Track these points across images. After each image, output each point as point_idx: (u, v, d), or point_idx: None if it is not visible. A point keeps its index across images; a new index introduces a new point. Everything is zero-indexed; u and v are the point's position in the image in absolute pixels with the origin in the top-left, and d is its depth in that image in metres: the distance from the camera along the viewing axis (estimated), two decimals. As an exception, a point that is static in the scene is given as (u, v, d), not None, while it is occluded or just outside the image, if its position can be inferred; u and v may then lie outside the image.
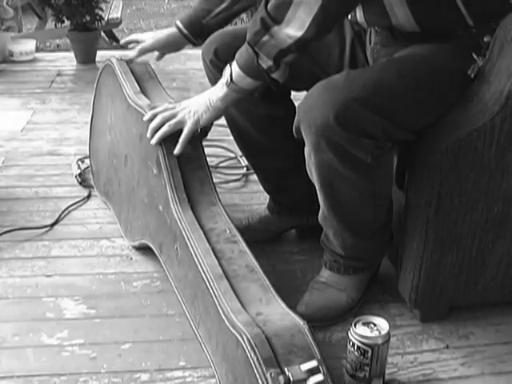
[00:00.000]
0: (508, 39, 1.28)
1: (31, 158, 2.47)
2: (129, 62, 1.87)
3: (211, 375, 1.37)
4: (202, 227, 1.49)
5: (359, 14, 1.48)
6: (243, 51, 1.40)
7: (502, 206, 1.40)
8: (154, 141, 1.54)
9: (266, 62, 1.37)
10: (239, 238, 1.49)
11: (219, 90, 1.48)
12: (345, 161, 1.35)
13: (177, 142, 1.53)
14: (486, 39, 1.35)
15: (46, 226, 1.95)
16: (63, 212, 2.03)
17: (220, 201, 1.59)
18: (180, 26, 1.81)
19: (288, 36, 1.31)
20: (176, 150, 1.54)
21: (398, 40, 1.45)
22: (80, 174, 2.27)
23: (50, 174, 2.32)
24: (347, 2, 1.33)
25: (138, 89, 1.76)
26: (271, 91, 1.60)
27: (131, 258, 1.80)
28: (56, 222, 1.98)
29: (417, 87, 1.35)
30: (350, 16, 1.51)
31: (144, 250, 1.80)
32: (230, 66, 1.43)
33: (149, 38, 1.87)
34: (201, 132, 1.57)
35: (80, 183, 2.23)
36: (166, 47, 1.87)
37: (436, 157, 1.34)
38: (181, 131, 1.53)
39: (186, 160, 1.58)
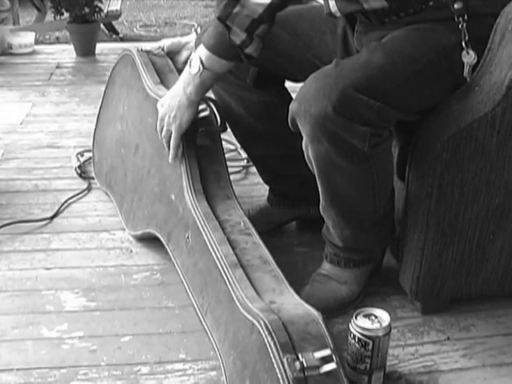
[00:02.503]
0: (509, 29, 1.27)
1: (30, 150, 2.46)
2: (149, 53, 1.87)
3: (212, 368, 1.37)
4: (216, 218, 1.50)
5: (332, 4, 1.47)
6: (211, 32, 1.40)
7: (503, 197, 1.40)
8: (170, 158, 1.58)
9: (239, 36, 1.37)
10: (253, 230, 1.49)
11: (190, 84, 1.48)
12: (341, 150, 1.34)
13: (192, 134, 1.58)
14: (456, 6, 1.34)
15: (45, 219, 1.95)
16: (63, 205, 2.03)
17: (235, 195, 1.60)
18: None
19: (258, 4, 1.32)
20: (170, 156, 1.58)
21: (375, 26, 1.44)
22: (80, 167, 2.27)
23: (50, 167, 2.32)
24: None
25: (159, 80, 1.76)
26: (263, 77, 1.60)
27: (131, 251, 1.80)
28: (55, 215, 1.98)
29: (404, 63, 1.34)
30: (325, 9, 1.50)
31: (144, 242, 1.79)
32: (196, 53, 1.43)
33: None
34: (220, 126, 1.58)
35: (80, 176, 2.23)
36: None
37: (437, 147, 1.33)
38: (195, 122, 1.56)
39: (203, 152, 1.59)
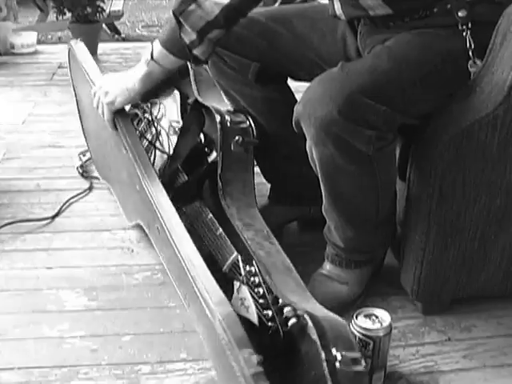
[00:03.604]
0: (510, 29, 1.27)
1: (32, 150, 2.46)
2: None
3: (212, 367, 1.36)
4: (240, 219, 1.52)
5: (337, 6, 1.47)
6: (166, 26, 1.39)
7: (504, 198, 1.40)
8: (110, 128, 1.63)
9: (189, 36, 1.36)
10: (275, 240, 1.50)
11: (139, 71, 1.48)
12: (346, 154, 1.34)
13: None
14: (460, 14, 1.33)
15: (47, 219, 1.95)
16: (64, 204, 2.03)
17: (257, 205, 1.62)
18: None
19: (215, 3, 1.31)
20: (109, 128, 1.62)
21: (379, 29, 1.44)
22: (81, 166, 2.27)
23: (52, 167, 2.32)
24: None
25: (100, 73, 1.79)
26: (265, 73, 1.60)
27: (132, 251, 1.80)
28: (57, 215, 1.98)
29: (409, 68, 1.34)
30: (329, 10, 1.50)
31: (145, 242, 1.79)
32: (152, 44, 1.44)
33: None
34: (255, 138, 1.63)
35: (81, 175, 2.23)
36: None
37: (438, 148, 1.33)
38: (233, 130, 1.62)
39: (235, 159, 1.62)
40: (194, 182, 1.72)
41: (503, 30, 1.28)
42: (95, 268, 1.73)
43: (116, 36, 5.29)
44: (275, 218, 1.87)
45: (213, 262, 1.49)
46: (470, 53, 1.33)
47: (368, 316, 1.30)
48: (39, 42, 4.16)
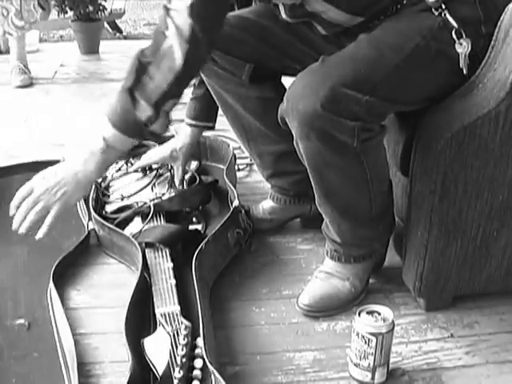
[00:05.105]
0: (513, 25, 1.27)
1: (34, 148, 2.46)
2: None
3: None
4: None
5: (320, 28, 1.50)
6: (115, 106, 1.32)
7: (506, 195, 1.39)
8: (21, 230, 1.39)
9: (144, 112, 1.29)
10: None
11: (90, 161, 1.37)
12: (331, 147, 1.33)
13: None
14: None
15: (49, 216, 1.95)
16: (66, 202, 2.02)
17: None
18: (191, 121, 1.87)
19: (169, 69, 1.26)
20: (40, 234, 1.39)
21: (361, 28, 1.42)
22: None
23: (54, 165, 2.31)
24: (215, 19, 1.31)
25: None
26: (259, 72, 1.60)
27: (134, 248, 1.80)
28: (59, 212, 1.98)
29: (390, 50, 1.32)
30: (315, 30, 1.52)
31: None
32: (99, 128, 1.36)
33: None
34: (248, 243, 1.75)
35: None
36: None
37: (440, 144, 1.33)
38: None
39: (222, 244, 1.68)
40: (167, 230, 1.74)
41: (506, 26, 1.28)
42: (97, 266, 1.73)
43: (117, 34, 5.29)
44: (277, 217, 1.88)
45: (143, 298, 1.51)
46: (454, 34, 1.32)
47: (370, 313, 1.30)
48: (41, 40, 4.16)
